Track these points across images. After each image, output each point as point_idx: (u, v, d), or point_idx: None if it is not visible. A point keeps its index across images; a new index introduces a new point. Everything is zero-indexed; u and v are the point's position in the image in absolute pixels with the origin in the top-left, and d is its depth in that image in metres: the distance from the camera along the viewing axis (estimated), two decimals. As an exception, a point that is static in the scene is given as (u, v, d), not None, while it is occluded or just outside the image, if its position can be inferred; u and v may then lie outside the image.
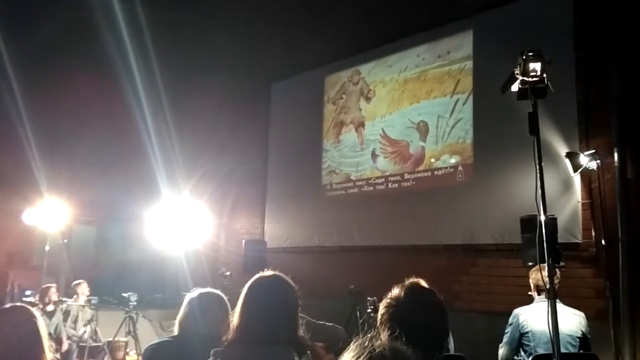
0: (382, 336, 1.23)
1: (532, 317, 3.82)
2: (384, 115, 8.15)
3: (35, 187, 8.91)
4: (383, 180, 7.99)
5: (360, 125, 8.50)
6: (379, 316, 1.91)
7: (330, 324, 5.89)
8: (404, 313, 1.85)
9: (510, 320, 3.98)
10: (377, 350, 1.16)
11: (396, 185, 7.82)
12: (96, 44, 8.58)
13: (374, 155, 8.20)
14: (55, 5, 8.72)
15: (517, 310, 3.96)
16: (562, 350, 2.96)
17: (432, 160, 7.42)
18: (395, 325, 1.82)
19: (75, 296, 7.77)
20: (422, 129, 7.59)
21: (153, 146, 9.40)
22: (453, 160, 7.18)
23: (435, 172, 7.37)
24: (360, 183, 8.34)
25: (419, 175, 7.56)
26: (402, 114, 7.89)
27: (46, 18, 8.70)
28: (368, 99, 8.42)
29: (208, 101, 9.91)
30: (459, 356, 3.65)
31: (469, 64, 7.15)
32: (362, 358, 1.15)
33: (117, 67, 8.82)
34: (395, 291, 1.91)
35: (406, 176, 7.71)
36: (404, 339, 1.79)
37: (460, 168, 7.09)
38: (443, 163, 7.29)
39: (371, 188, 8.15)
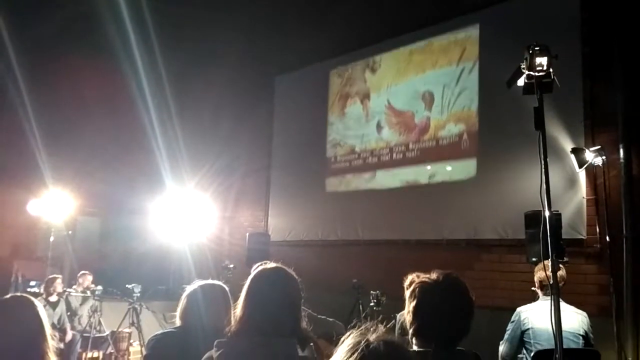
0: (378, 329, 1.22)
1: (534, 314, 3.83)
2: (389, 85, 8.12)
3: (40, 178, 8.94)
4: (388, 151, 7.98)
5: (365, 97, 8.48)
6: (409, 290, 1.95)
7: (331, 319, 5.92)
8: (437, 293, 1.88)
9: (512, 318, 3.98)
10: (371, 346, 1.14)
11: (401, 155, 7.80)
12: (101, 37, 8.58)
13: (378, 127, 8.19)
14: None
15: (519, 309, 3.97)
16: (564, 347, 2.95)
17: (437, 129, 7.39)
18: (423, 302, 1.87)
19: (77, 285, 7.86)
20: (428, 99, 7.57)
21: (157, 138, 9.42)
22: (458, 129, 7.16)
23: (440, 142, 7.36)
24: (364, 155, 8.34)
25: (424, 145, 7.54)
26: (408, 84, 7.86)
27: (51, 10, 8.70)
28: (373, 71, 8.40)
29: (212, 94, 9.91)
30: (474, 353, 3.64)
31: (476, 66, 7.13)
32: (357, 353, 1.14)
33: (121, 60, 8.83)
34: (433, 275, 1.94)
35: (411, 146, 7.69)
36: (425, 320, 1.83)
37: (465, 136, 7.07)
38: (448, 132, 7.27)
39: (375, 159, 8.15)
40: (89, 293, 7.62)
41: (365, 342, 1.15)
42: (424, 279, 1.94)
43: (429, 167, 7.45)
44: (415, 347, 1.89)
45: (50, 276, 7.57)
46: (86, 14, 8.50)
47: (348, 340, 1.18)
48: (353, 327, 1.24)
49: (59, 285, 7.43)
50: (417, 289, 1.91)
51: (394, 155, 7.88)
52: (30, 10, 8.79)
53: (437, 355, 1.81)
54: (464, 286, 1.95)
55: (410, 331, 1.91)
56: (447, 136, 7.26)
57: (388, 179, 7.95)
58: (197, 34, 9.75)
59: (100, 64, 9.40)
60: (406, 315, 1.94)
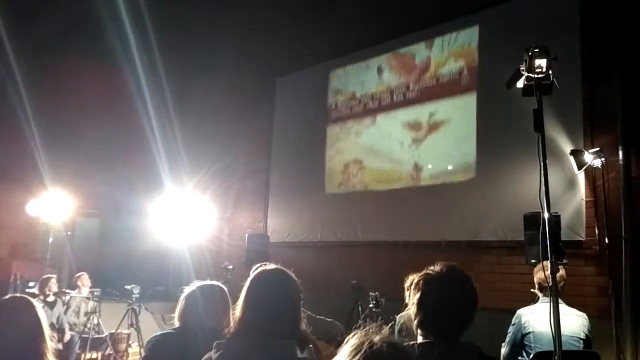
0: (382, 331, 1.22)
1: (535, 317, 3.77)
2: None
3: (39, 179, 8.93)
4: (388, 94, 8.02)
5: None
6: (413, 282, 1.97)
7: (329, 319, 5.91)
8: (441, 285, 1.89)
9: (513, 321, 3.93)
10: (374, 347, 1.15)
11: (401, 97, 7.84)
12: (100, 38, 8.58)
13: (379, 71, 8.23)
14: (59, -1, 8.73)
15: (520, 311, 3.92)
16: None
17: (438, 67, 7.44)
18: (427, 293, 1.89)
19: (77, 289, 7.81)
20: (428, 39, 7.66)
21: (156, 140, 9.41)
22: (458, 65, 7.20)
23: (440, 79, 7.39)
24: (365, 99, 8.38)
25: (424, 84, 7.58)
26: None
27: (51, 12, 8.69)
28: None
29: (211, 95, 9.92)
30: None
31: (476, 60, 7.13)
32: (359, 354, 1.14)
33: (121, 61, 8.83)
34: (437, 267, 1.96)
35: (411, 86, 7.74)
36: (429, 311, 1.84)
37: (465, 72, 7.10)
38: (448, 69, 7.32)
39: (376, 103, 8.19)
40: (85, 293, 7.60)
41: (368, 343, 1.15)
42: (427, 271, 1.95)
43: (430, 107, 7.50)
44: (420, 339, 1.90)
45: (44, 276, 7.47)
46: (86, 16, 8.50)
47: (352, 341, 1.19)
48: (357, 328, 1.25)
49: (54, 285, 7.36)
50: (421, 281, 1.93)
51: (395, 97, 7.94)
52: (30, 12, 8.79)
53: (441, 346, 1.82)
54: (467, 277, 1.96)
55: (415, 323, 1.92)
56: (447, 73, 7.33)
57: (389, 122, 7.99)
58: (197, 36, 9.75)
59: (99, 66, 9.41)
60: (410, 307, 1.95)
